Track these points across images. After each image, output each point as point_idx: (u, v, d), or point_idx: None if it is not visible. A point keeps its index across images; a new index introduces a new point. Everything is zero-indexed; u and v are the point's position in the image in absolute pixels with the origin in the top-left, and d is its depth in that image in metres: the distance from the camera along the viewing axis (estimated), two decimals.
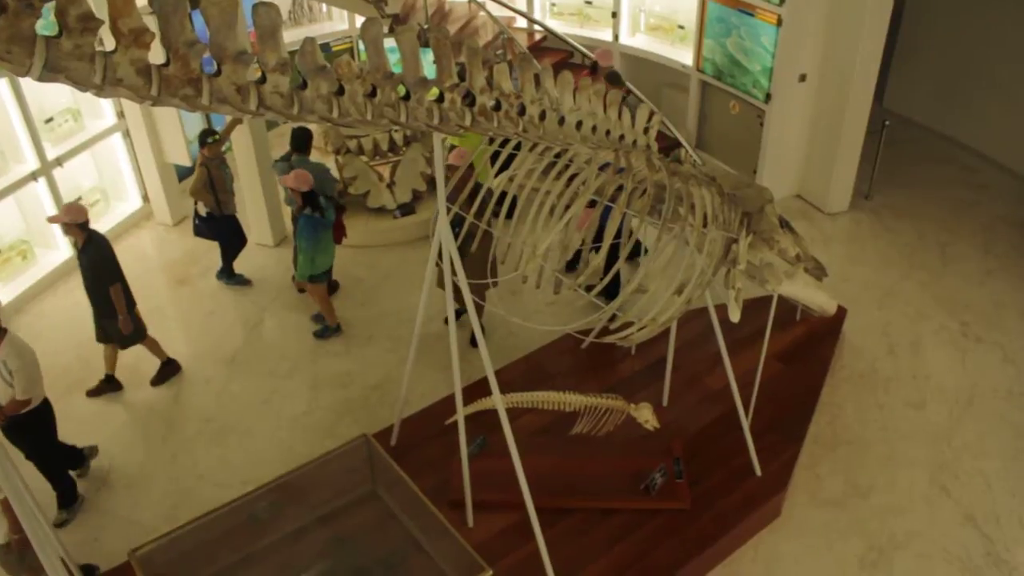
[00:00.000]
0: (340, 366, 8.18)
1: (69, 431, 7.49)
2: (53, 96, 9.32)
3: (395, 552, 5.74)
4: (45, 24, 2.42)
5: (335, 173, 9.55)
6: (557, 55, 11.33)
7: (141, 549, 5.35)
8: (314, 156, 9.03)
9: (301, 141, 8.54)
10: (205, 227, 8.95)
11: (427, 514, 5.56)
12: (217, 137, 8.61)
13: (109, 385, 7.92)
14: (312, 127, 8.86)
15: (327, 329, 8.53)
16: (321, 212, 7.86)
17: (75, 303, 9.15)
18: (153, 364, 8.17)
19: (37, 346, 8.34)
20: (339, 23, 12.66)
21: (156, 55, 2.64)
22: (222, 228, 8.95)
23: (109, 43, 2.64)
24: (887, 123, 10.55)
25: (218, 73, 2.87)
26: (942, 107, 12.01)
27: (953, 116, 11.88)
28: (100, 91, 2.64)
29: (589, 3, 11.84)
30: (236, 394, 7.90)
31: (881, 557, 6.37)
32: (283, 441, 7.40)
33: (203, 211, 8.79)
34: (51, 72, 2.51)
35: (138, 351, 8.33)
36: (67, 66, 2.52)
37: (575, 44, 10.41)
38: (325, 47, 12.14)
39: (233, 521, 5.73)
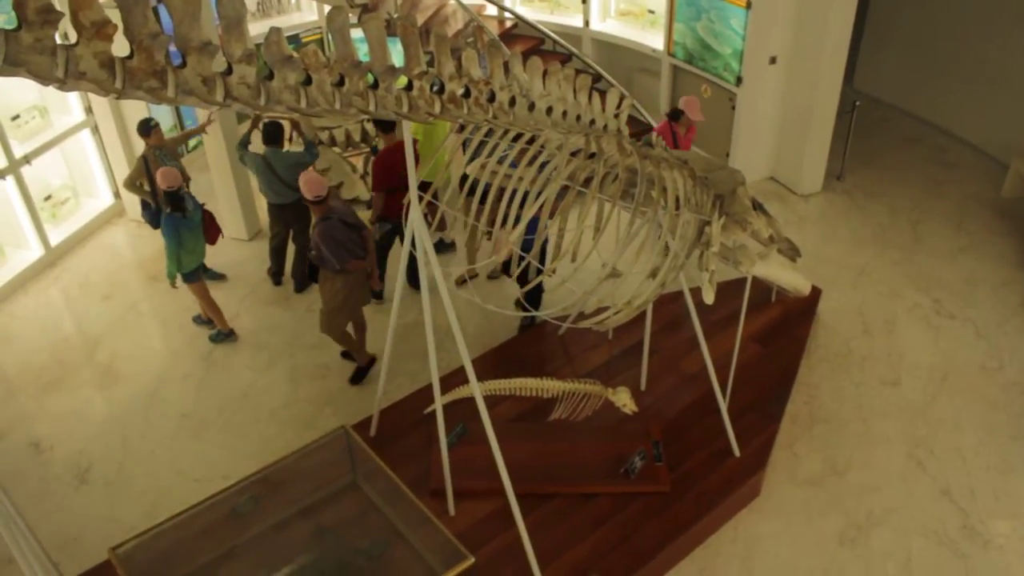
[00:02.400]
0: (318, 358, 8.16)
1: (45, 430, 7.47)
2: (19, 93, 9.20)
3: (377, 543, 5.75)
4: (4, 18, 2.39)
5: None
6: (528, 42, 11.32)
7: (122, 547, 5.31)
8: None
9: (272, 134, 8.46)
10: (148, 216, 8.85)
11: (408, 504, 5.56)
12: (152, 124, 8.50)
13: None
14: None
15: (220, 334, 8.43)
16: (183, 212, 7.67)
17: (47, 302, 9.08)
18: (132, 360, 8.13)
19: (11, 347, 8.35)
20: (308, 13, 12.57)
21: (120, 48, 2.62)
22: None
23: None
24: (857, 104, 10.62)
25: (183, 65, 2.85)
26: (911, 87, 12.11)
27: (921, 96, 11.99)
28: (63, 85, 2.62)
29: None
30: (214, 388, 7.86)
31: (859, 534, 6.45)
32: (262, 434, 7.38)
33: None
34: (11, 66, 2.48)
35: (123, 344, 8.30)
36: (28, 60, 2.49)
37: (546, 31, 10.42)
38: (295, 38, 12.08)
39: (214, 516, 5.71)
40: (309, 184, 7.01)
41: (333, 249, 7.03)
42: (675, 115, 8.76)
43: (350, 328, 7.65)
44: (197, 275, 8.04)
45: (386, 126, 8.23)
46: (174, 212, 7.63)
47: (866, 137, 11.40)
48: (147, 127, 8.45)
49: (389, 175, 8.02)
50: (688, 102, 8.74)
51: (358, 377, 7.84)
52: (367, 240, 7.33)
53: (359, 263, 7.23)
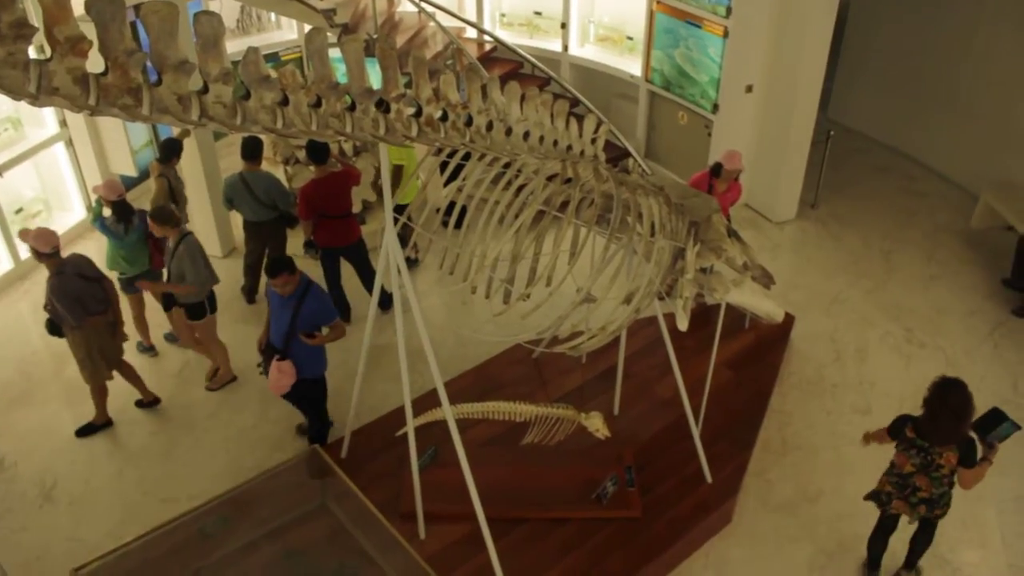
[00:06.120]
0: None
1: (9, 446, 7.35)
2: None
3: (346, 565, 5.69)
4: None
5: (284, 183, 9.46)
6: (507, 65, 11.37)
7: (85, 568, 5.23)
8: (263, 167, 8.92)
9: (250, 150, 8.43)
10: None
11: (378, 527, 5.51)
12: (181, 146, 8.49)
13: None
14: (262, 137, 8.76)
15: (141, 345, 8.48)
16: (127, 225, 7.66)
17: (16, 316, 8.96)
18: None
19: None
20: (288, 32, 12.57)
21: (95, 64, 2.60)
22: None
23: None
24: (832, 133, 10.74)
25: (159, 82, 2.83)
26: (884, 117, 12.26)
27: (894, 126, 12.15)
28: (35, 100, 2.59)
29: (539, 14, 11.89)
30: (183, 407, 7.77)
31: (830, 561, 6.46)
32: (231, 454, 7.30)
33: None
34: None
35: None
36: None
37: (525, 55, 10.47)
38: (274, 57, 12.06)
39: (181, 537, 5.63)
40: (38, 238, 6.78)
41: (68, 305, 6.82)
42: (716, 170, 8.11)
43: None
44: (132, 288, 7.98)
45: (319, 156, 8.05)
46: (118, 223, 7.61)
47: (840, 166, 11.53)
48: (179, 148, 8.44)
49: (315, 205, 8.01)
50: (729, 154, 8.07)
51: (86, 431, 7.53)
52: (108, 291, 7.18)
53: (96, 319, 7.03)
